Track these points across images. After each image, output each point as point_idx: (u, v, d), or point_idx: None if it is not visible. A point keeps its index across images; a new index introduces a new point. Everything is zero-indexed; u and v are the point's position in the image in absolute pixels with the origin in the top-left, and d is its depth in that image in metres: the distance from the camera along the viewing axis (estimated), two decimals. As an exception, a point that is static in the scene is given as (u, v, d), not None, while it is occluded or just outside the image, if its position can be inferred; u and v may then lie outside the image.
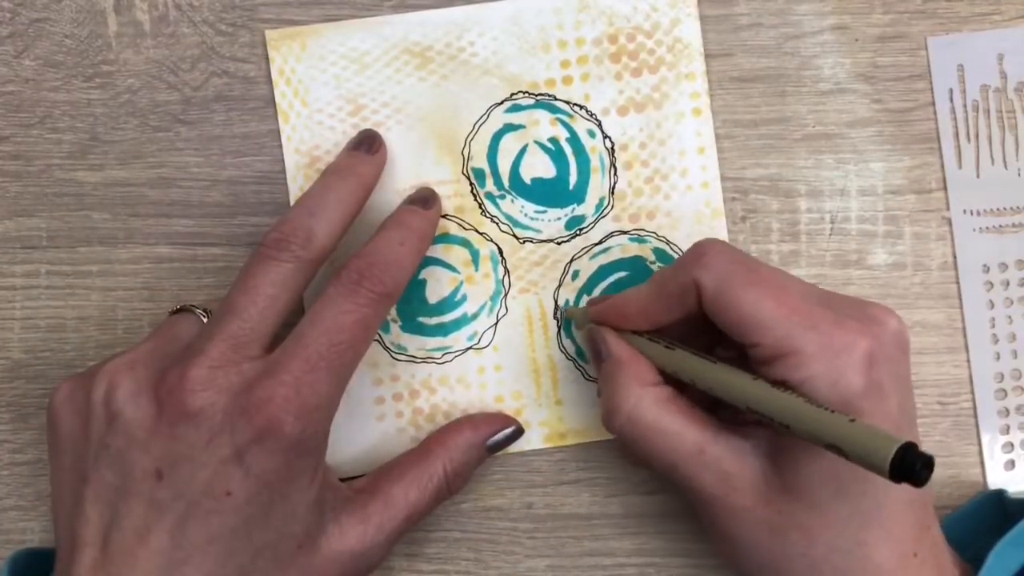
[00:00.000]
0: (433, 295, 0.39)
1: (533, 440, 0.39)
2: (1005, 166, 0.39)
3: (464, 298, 0.39)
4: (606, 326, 0.35)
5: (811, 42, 0.39)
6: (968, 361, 0.39)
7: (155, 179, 0.40)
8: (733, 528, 0.32)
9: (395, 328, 0.39)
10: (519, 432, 0.38)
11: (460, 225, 0.39)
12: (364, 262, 0.33)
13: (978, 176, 0.39)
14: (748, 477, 0.32)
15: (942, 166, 0.39)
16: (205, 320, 0.35)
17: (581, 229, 0.39)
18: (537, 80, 0.39)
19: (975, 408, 0.39)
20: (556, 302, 0.39)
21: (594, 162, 0.39)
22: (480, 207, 0.39)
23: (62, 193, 0.40)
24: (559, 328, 0.39)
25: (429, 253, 0.39)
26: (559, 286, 0.39)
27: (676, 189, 0.39)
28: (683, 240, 0.39)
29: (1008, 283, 0.39)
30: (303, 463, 0.32)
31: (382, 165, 0.38)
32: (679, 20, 0.39)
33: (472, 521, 0.39)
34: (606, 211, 0.39)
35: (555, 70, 0.39)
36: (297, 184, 0.39)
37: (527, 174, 0.39)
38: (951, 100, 0.39)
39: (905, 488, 0.28)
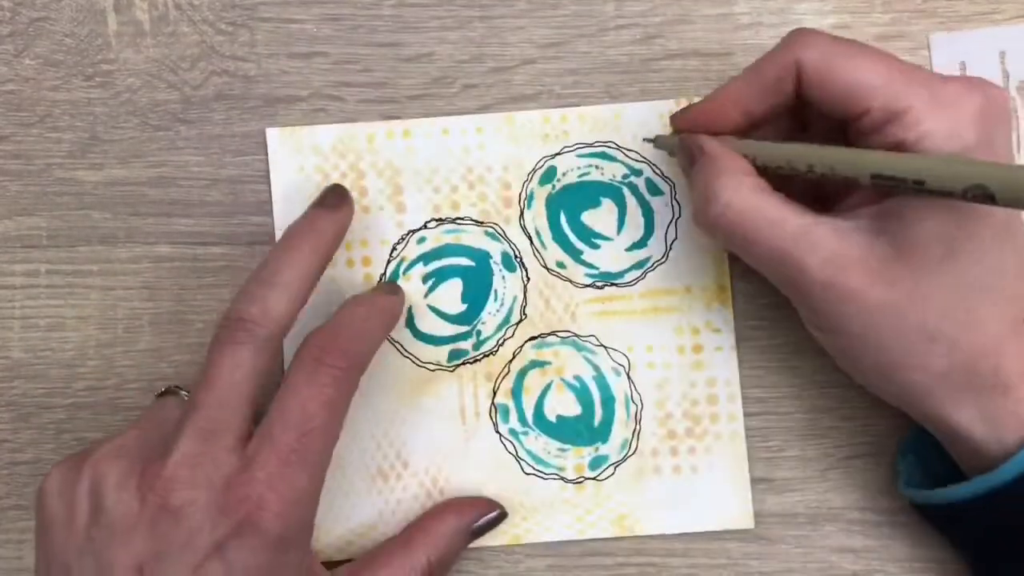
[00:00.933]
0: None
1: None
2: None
3: None
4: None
5: (811, 41, 0.39)
6: (970, 360, 0.39)
7: (155, 178, 0.40)
8: (845, 316, 0.32)
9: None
10: (503, 516, 0.38)
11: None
12: (324, 337, 0.33)
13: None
14: (855, 255, 0.31)
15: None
16: None
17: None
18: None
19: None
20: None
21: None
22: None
23: (62, 192, 0.40)
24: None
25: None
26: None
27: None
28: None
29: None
30: (286, 558, 0.31)
31: (345, 224, 0.37)
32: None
33: (472, 521, 0.39)
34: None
35: None
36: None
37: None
38: (952, 98, 0.39)
39: (1016, 255, 0.30)
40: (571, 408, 0.39)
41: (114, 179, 0.40)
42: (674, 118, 0.36)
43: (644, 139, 0.38)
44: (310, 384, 0.32)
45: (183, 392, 0.36)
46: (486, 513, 0.37)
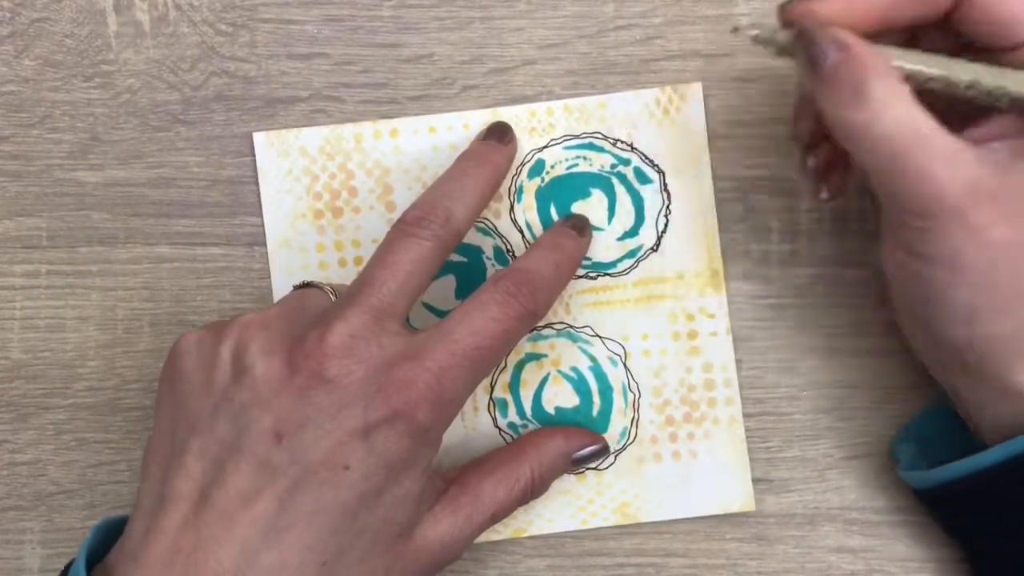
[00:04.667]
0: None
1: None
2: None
3: None
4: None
5: (811, 42, 0.39)
6: (968, 361, 0.39)
7: (155, 179, 0.40)
8: (961, 246, 0.30)
9: None
10: (605, 450, 0.38)
11: None
12: (521, 277, 0.33)
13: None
14: (991, 188, 0.30)
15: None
16: (334, 298, 0.34)
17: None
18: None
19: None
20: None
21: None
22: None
23: (62, 193, 0.40)
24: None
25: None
26: None
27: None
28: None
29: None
30: (423, 452, 0.31)
31: (512, 157, 0.38)
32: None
33: (472, 521, 0.39)
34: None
35: None
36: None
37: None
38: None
39: None
40: (569, 399, 0.39)
41: (114, 180, 0.40)
42: (786, 9, 0.32)
43: (749, 34, 0.32)
44: (499, 309, 0.32)
45: (326, 287, 0.35)
46: (590, 444, 0.38)
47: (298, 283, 0.36)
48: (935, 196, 0.30)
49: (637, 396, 0.39)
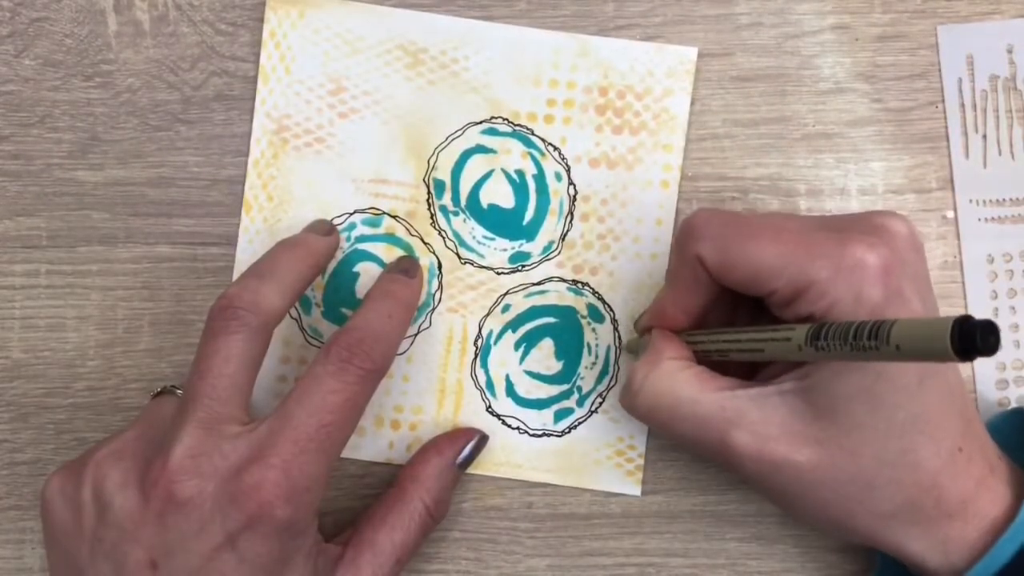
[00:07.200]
0: (362, 291, 0.39)
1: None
2: (1012, 157, 0.39)
3: None
4: None
5: (811, 41, 0.39)
6: (969, 355, 0.39)
7: (155, 178, 0.40)
8: (780, 482, 0.32)
9: (317, 312, 0.39)
10: (484, 440, 0.38)
11: (408, 230, 0.39)
12: (353, 338, 0.32)
13: (985, 166, 0.39)
14: (777, 421, 0.31)
15: (949, 156, 0.39)
16: None
17: (524, 266, 0.39)
18: (519, 110, 0.39)
19: (976, 398, 0.39)
20: (480, 329, 0.39)
21: (553, 204, 0.39)
22: (431, 217, 0.39)
23: (62, 193, 0.40)
24: (476, 355, 0.39)
25: (369, 248, 0.39)
26: (487, 315, 0.39)
27: (624, 253, 0.39)
28: (619, 303, 0.39)
29: (1012, 273, 0.39)
30: (296, 543, 0.31)
31: (335, 246, 0.38)
32: (672, 91, 0.39)
33: (472, 521, 0.39)
34: (552, 255, 0.39)
35: (540, 106, 0.39)
36: (260, 147, 0.39)
37: (486, 198, 0.39)
38: (960, 90, 0.39)
39: (938, 390, 0.30)
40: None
41: (114, 179, 0.40)
42: (636, 324, 0.37)
43: (622, 348, 0.39)
44: (336, 379, 0.32)
45: (178, 391, 0.36)
46: (465, 444, 0.38)
47: (157, 390, 0.37)
48: (724, 449, 0.32)
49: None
